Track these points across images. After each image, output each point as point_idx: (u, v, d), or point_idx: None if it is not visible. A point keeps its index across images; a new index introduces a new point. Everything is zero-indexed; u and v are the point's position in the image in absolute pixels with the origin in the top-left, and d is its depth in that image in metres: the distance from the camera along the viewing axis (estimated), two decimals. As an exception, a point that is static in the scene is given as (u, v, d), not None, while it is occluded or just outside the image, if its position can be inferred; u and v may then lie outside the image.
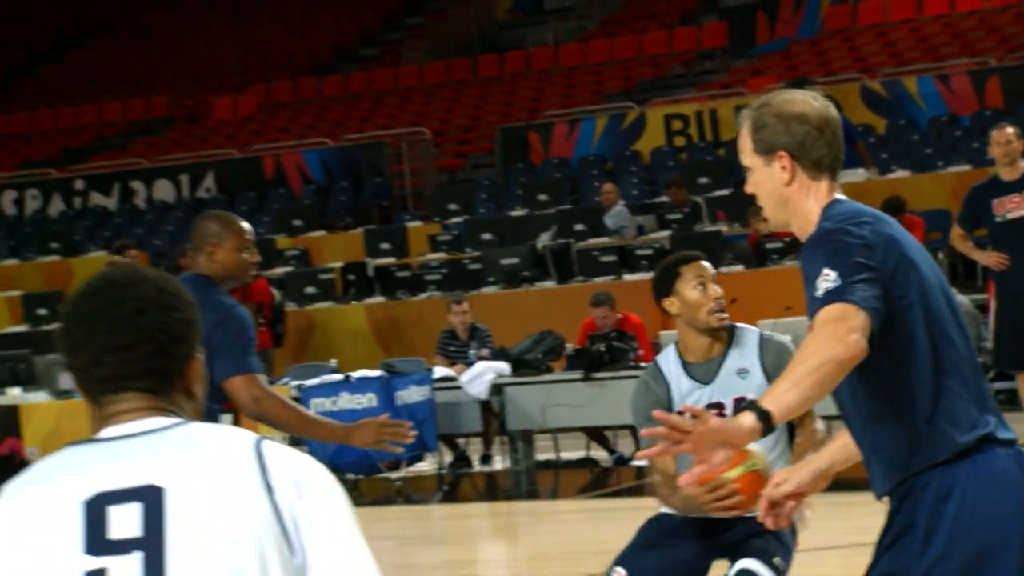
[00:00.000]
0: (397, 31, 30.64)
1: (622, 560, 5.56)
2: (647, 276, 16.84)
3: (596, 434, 13.92)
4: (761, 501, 3.96)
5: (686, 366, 5.55)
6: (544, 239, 18.14)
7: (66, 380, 15.26)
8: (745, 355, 5.52)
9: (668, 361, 5.59)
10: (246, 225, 5.99)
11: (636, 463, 13.59)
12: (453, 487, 13.85)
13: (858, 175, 18.00)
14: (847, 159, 4.09)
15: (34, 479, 2.46)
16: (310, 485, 2.45)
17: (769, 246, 15.77)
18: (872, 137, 20.19)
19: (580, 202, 20.42)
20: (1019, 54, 21.73)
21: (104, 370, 2.48)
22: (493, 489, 13.82)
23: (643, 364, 13.11)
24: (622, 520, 11.74)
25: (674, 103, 23.12)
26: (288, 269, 18.82)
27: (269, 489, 2.42)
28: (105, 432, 2.50)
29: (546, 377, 13.42)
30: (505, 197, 21.67)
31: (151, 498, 2.39)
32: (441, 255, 18.77)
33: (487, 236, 18.68)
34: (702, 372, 5.53)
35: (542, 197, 19.99)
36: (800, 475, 3.94)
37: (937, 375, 3.68)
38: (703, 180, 19.38)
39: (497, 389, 13.36)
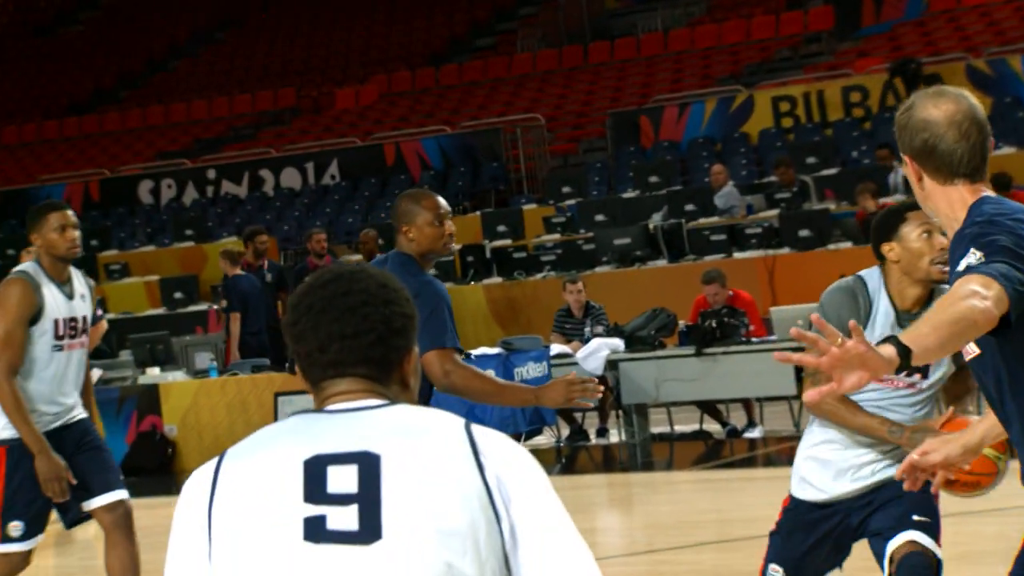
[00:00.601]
0: (511, 21, 30.65)
1: (774, 556, 5.29)
2: (757, 254, 16.80)
3: (709, 407, 13.89)
4: (905, 462, 3.93)
5: (898, 313, 5.12)
6: (656, 219, 18.10)
7: (202, 360, 15.47)
8: None
9: (879, 295, 5.14)
10: (438, 199, 5.93)
11: (748, 435, 13.54)
12: (571, 460, 13.88)
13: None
14: None
15: (261, 442, 2.60)
16: (517, 464, 2.55)
17: (876, 223, 15.60)
18: (977, 115, 19.89)
19: (690, 183, 20.34)
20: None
21: (328, 356, 2.59)
22: (609, 461, 13.84)
23: (754, 340, 13.07)
24: (735, 491, 11.72)
25: (781, 85, 22.95)
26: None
27: (480, 467, 2.52)
28: (326, 408, 2.62)
29: (659, 353, 13.40)
30: (617, 180, 21.64)
31: (367, 461, 2.51)
32: (556, 236, 18.79)
33: (600, 217, 18.67)
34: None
35: (653, 179, 19.94)
36: (950, 448, 3.89)
37: None
38: (810, 160, 19.23)
39: (612, 365, 13.36)
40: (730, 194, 18.23)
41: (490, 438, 2.57)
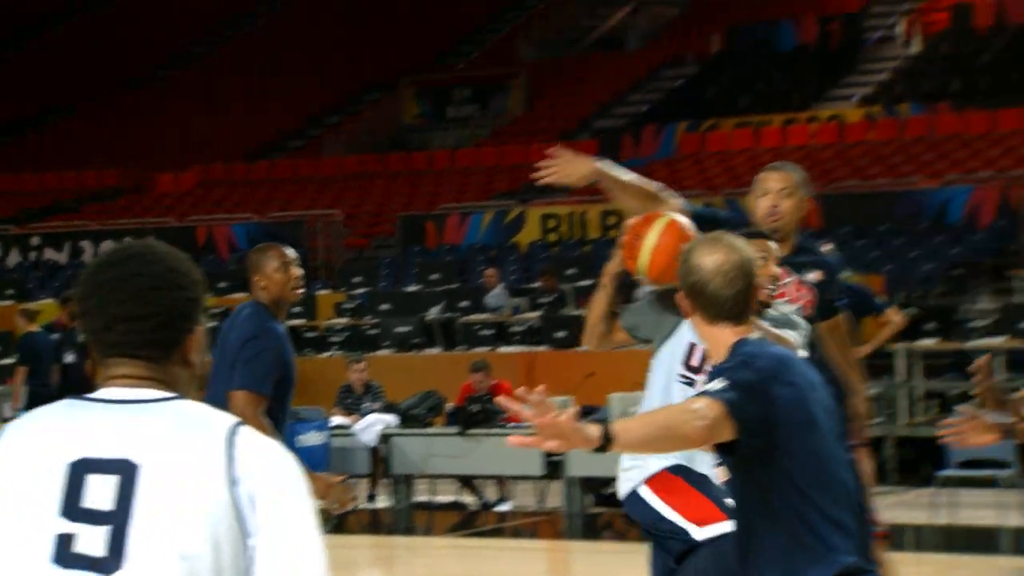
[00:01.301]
0: (319, 127, 30.56)
1: None
2: (519, 349, 16.82)
3: (467, 481, 13.79)
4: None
5: None
6: (434, 312, 18.04)
7: (8, 409, 14.88)
8: None
9: None
10: (283, 248, 5.79)
11: (498, 509, 13.45)
12: (340, 520, 13.63)
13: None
14: None
15: (30, 428, 2.35)
16: (274, 482, 2.28)
17: (623, 330, 15.73)
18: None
19: (466, 283, 20.34)
20: (838, 184, 22.03)
21: (112, 336, 2.37)
22: (376, 524, 13.62)
23: (510, 424, 13.02)
24: (485, 558, 11.61)
25: (550, 204, 23.18)
26: (212, 324, 18.51)
27: (233, 482, 2.26)
28: (102, 392, 2.37)
29: (428, 430, 13.28)
30: (403, 274, 21.55)
31: (127, 473, 2.26)
32: (345, 320, 18.59)
33: (385, 307, 18.53)
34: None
35: (434, 276, 19.91)
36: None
37: (801, 512, 3.54)
38: (570, 271, 19.39)
39: (385, 438, 13.20)
40: (500, 295, 18.28)
41: (252, 449, 2.29)
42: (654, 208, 4.85)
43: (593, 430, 3.32)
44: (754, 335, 3.69)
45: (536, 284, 19.18)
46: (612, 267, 4.80)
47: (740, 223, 4.77)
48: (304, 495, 2.31)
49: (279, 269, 5.65)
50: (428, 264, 20.89)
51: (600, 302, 4.92)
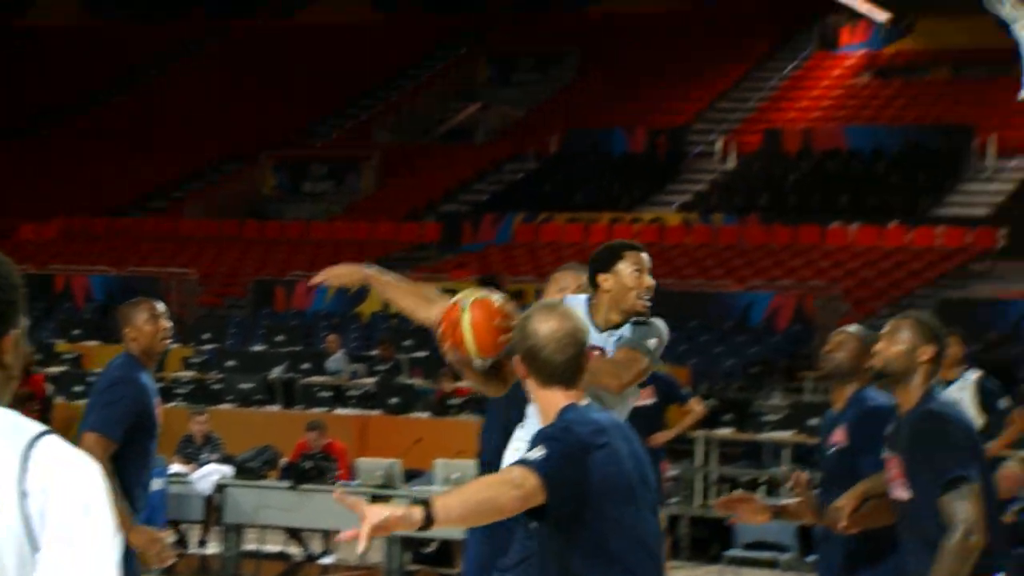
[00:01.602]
0: (182, 190, 30.25)
1: None
2: (354, 412, 16.76)
3: (295, 533, 13.69)
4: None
5: (596, 327, 4.85)
6: (277, 372, 17.93)
7: None
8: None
9: (577, 308, 4.73)
10: (153, 302, 5.73)
11: (322, 561, 13.37)
12: (172, 565, 13.37)
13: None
14: None
15: None
16: (67, 494, 2.02)
17: (451, 402, 15.83)
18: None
19: (309, 347, 20.25)
20: (656, 281, 22.39)
21: None
22: (206, 570, 13.41)
23: (340, 482, 12.98)
24: (306, 605, 11.50)
25: (393, 279, 23.21)
26: (63, 369, 18.14)
27: (23, 494, 2.01)
28: None
29: (261, 482, 13.16)
30: (250, 335, 21.36)
31: None
32: (191, 373, 18.35)
33: (231, 363, 18.35)
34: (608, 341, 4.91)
35: (280, 338, 19.80)
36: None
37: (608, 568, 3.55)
38: (407, 342, 19.44)
39: (220, 488, 13.04)
40: (340, 360, 18.24)
41: (49, 463, 2.03)
42: (432, 307, 4.88)
43: (416, 513, 3.31)
44: (583, 401, 3.66)
45: (374, 352, 19.19)
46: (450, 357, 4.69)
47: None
48: (102, 518, 2.03)
49: (148, 321, 5.67)
50: (275, 326, 20.75)
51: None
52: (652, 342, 4.91)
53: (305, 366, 18.17)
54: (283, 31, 34.28)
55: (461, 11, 33.75)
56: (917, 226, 23.14)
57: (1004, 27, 6.34)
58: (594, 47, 31.97)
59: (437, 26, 33.94)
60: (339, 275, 5.13)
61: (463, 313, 4.47)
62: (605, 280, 4.89)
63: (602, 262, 4.92)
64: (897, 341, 4.59)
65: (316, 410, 16.56)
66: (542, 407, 3.67)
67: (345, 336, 20.24)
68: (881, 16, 29.44)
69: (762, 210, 24.93)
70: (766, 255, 23.35)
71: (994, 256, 22.39)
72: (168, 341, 5.83)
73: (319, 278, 5.09)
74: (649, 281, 4.90)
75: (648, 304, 4.91)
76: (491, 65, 32.95)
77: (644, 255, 4.94)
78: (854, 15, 29.58)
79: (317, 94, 32.54)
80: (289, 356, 18.54)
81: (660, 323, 4.99)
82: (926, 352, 4.57)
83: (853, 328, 5.25)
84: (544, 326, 3.66)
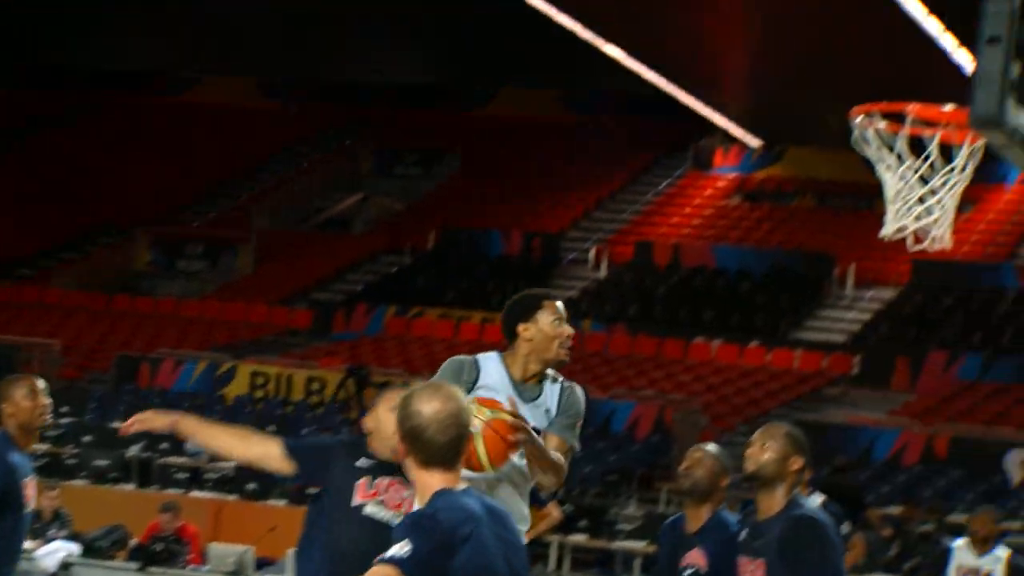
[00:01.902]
0: (52, 259, 29.62)
1: None
2: (211, 496, 16.39)
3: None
4: None
5: (514, 382, 4.78)
6: (134, 450, 17.49)
7: None
8: (551, 397, 4.88)
9: (490, 367, 4.79)
10: (33, 378, 5.55)
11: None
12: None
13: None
14: None
15: None
16: None
17: (309, 490, 15.55)
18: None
19: (170, 425, 19.81)
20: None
21: None
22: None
23: (191, 567, 12.63)
24: None
25: (261, 363, 22.92)
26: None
27: None
28: None
29: (109, 563, 12.76)
30: (111, 410, 20.85)
31: None
32: (46, 446, 17.81)
33: (88, 438, 17.87)
34: (525, 392, 4.82)
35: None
36: None
37: None
38: (271, 428, 19.12)
39: (66, 566, 12.61)
40: (200, 442, 17.86)
41: None
42: (250, 445, 4.98)
43: None
44: (460, 486, 3.61)
45: (235, 436, 18.82)
46: None
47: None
48: None
49: (27, 397, 5.50)
50: (136, 403, 20.26)
51: None
52: (578, 430, 4.88)
53: (163, 445, 17.76)
54: (172, 108, 34.01)
55: (348, 102, 33.86)
56: (776, 348, 23.55)
57: (870, 165, 6.51)
58: (477, 148, 32.24)
59: (324, 115, 33.99)
60: (150, 420, 5.10)
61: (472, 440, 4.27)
62: (526, 329, 4.79)
63: (521, 312, 4.83)
64: (770, 448, 4.70)
65: (172, 491, 16.16)
66: (419, 488, 3.62)
67: (208, 417, 19.85)
68: (754, 142, 30.20)
69: (629, 320, 25.18)
70: (630, 365, 23.54)
71: (848, 382, 22.86)
72: (47, 418, 5.66)
73: (130, 425, 5.01)
74: (569, 330, 4.84)
75: (569, 352, 4.84)
76: (375, 157, 33.01)
77: (560, 304, 4.90)
78: (728, 139, 30.30)
79: (200, 173, 32.25)
80: (148, 434, 18.11)
81: (580, 393, 4.94)
82: (796, 462, 4.70)
83: (711, 447, 5.27)
84: (427, 407, 3.61)
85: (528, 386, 4.81)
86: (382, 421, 4.79)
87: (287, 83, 34.30)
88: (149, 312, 26.81)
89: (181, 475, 16.62)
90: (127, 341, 25.03)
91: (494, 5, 23.57)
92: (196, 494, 16.35)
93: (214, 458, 17.76)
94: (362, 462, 4.87)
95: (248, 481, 16.40)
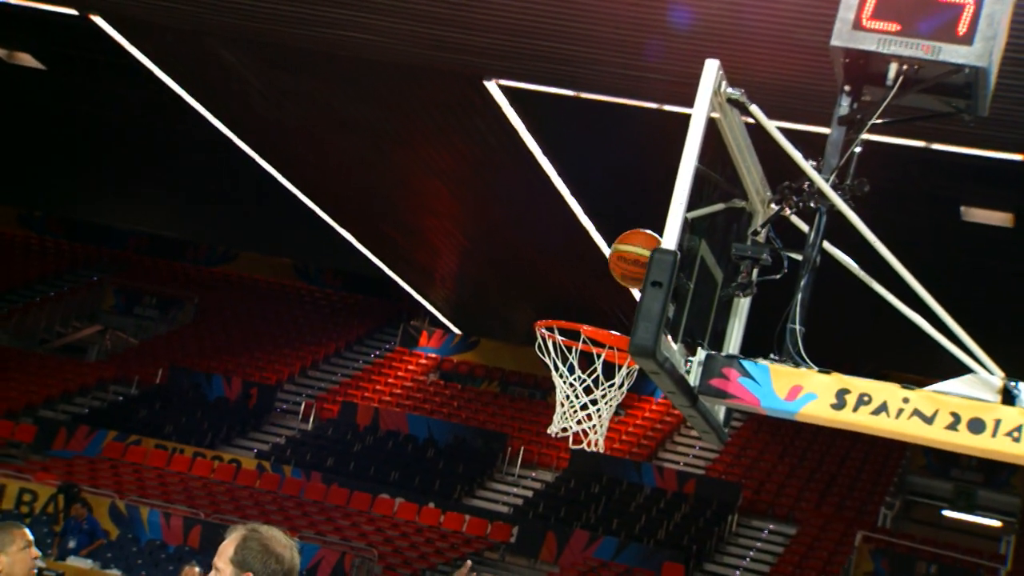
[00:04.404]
0: None
1: None
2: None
3: None
4: None
5: None
6: None
7: None
8: None
9: None
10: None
11: None
12: None
13: None
14: None
15: None
16: None
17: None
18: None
19: None
20: (222, 516, 21.59)
21: None
22: None
23: None
24: None
25: (-24, 470, 21.25)
26: None
27: None
28: None
29: None
30: None
31: None
32: None
33: None
34: None
35: None
36: None
37: None
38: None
39: None
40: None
41: None
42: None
43: None
44: None
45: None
46: None
47: None
48: None
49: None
50: None
51: None
52: None
53: None
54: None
55: (101, 244, 32.79)
56: (449, 511, 23.47)
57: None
58: (213, 301, 31.53)
59: (77, 251, 32.73)
60: None
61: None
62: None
63: None
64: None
65: None
66: None
67: (-87, 516, 18.15)
68: (455, 329, 30.60)
69: (326, 471, 24.70)
70: (321, 511, 22.98)
71: (505, 549, 22.93)
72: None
73: None
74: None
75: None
76: (117, 295, 31.82)
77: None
78: (434, 324, 30.62)
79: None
80: None
81: None
82: None
83: None
84: (282, 550, 3.31)
85: None
86: (15, 563, 4.46)
87: (43, 219, 33.04)
88: None
89: None
90: None
91: (249, 177, 23.32)
92: None
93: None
94: None
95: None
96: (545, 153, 17.89)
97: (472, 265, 25.52)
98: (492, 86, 15.96)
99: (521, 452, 26.05)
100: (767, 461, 26.63)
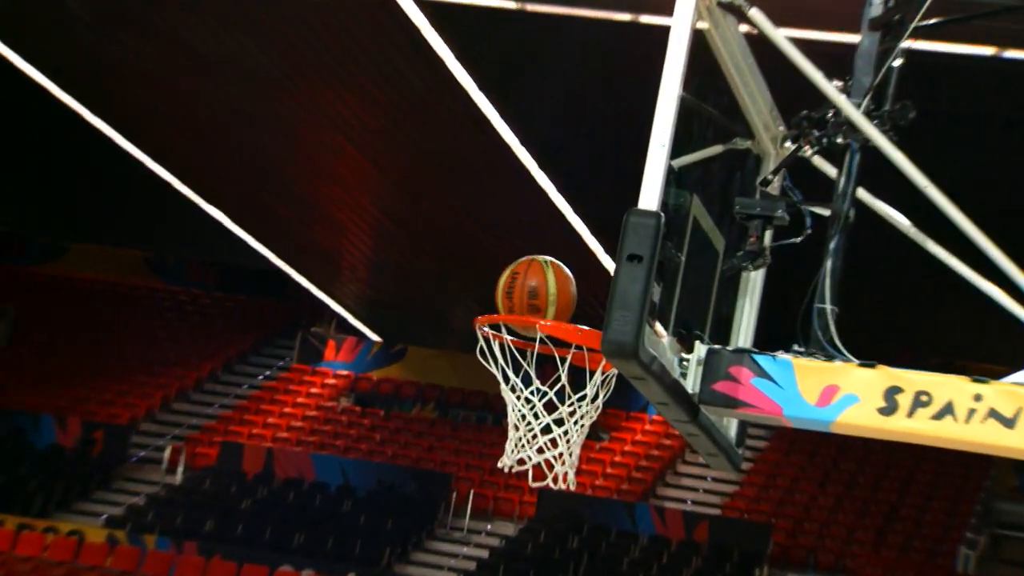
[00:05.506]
0: None
1: None
2: None
3: None
4: None
5: None
6: None
7: None
8: None
9: None
10: None
11: None
12: None
13: None
14: None
15: None
16: None
17: None
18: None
19: None
20: None
21: None
22: None
23: None
24: None
25: None
26: None
27: None
28: None
29: None
30: None
31: None
32: None
33: None
34: None
35: None
36: None
37: None
38: None
39: None
40: None
41: None
42: None
43: None
44: None
45: None
46: None
47: None
48: None
49: None
50: None
51: None
52: None
53: None
54: None
55: None
56: (377, 582, 23.47)
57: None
58: (33, 312, 31.26)
59: None
60: None
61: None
62: None
63: None
64: None
65: None
66: None
67: None
68: (372, 336, 30.56)
69: (204, 538, 24.60)
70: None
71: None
72: None
73: None
74: None
75: None
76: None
77: None
78: (343, 329, 30.54)
79: None
80: None
81: None
82: None
83: None
84: None
85: None
86: None
87: None
88: None
89: None
90: None
91: (78, 144, 23.15)
92: None
93: None
94: None
95: None
96: (482, 89, 17.92)
97: (392, 248, 25.51)
98: (407, 2, 15.93)
99: (470, 498, 26.11)
100: (804, 492, 26.88)
